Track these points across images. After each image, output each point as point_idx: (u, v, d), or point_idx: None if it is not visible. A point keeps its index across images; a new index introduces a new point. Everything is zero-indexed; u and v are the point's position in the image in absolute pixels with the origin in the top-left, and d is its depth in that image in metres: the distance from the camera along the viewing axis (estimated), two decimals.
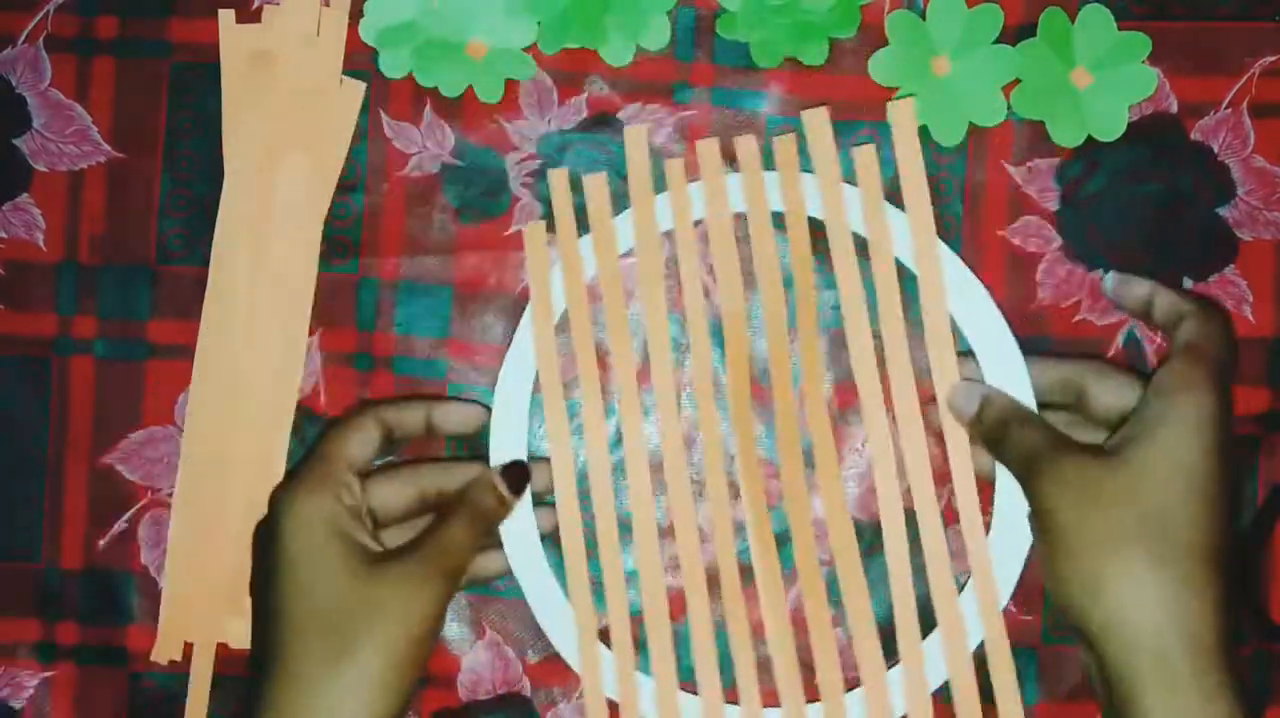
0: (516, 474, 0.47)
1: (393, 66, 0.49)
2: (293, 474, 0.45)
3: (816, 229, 0.49)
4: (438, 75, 0.49)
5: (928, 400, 0.48)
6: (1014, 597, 0.48)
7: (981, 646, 0.47)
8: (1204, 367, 0.42)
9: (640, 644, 0.48)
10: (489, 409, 0.48)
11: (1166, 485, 0.41)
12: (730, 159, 0.49)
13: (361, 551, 0.43)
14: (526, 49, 0.49)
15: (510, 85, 0.50)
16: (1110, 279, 0.47)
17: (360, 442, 0.45)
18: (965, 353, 0.48)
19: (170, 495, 0.50)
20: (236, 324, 0.49)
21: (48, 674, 0.50)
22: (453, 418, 0.47)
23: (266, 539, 0.44)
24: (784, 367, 0.48)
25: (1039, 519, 0.42)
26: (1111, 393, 0.45)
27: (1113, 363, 0.47)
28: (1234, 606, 0.41)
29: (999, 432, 0.45)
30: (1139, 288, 0.46)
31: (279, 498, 0.44)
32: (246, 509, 0.49)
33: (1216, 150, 0.49)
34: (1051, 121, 0.49)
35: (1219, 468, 0.41)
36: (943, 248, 0.48)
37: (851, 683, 0.48)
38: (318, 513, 0.43)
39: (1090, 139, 0.49)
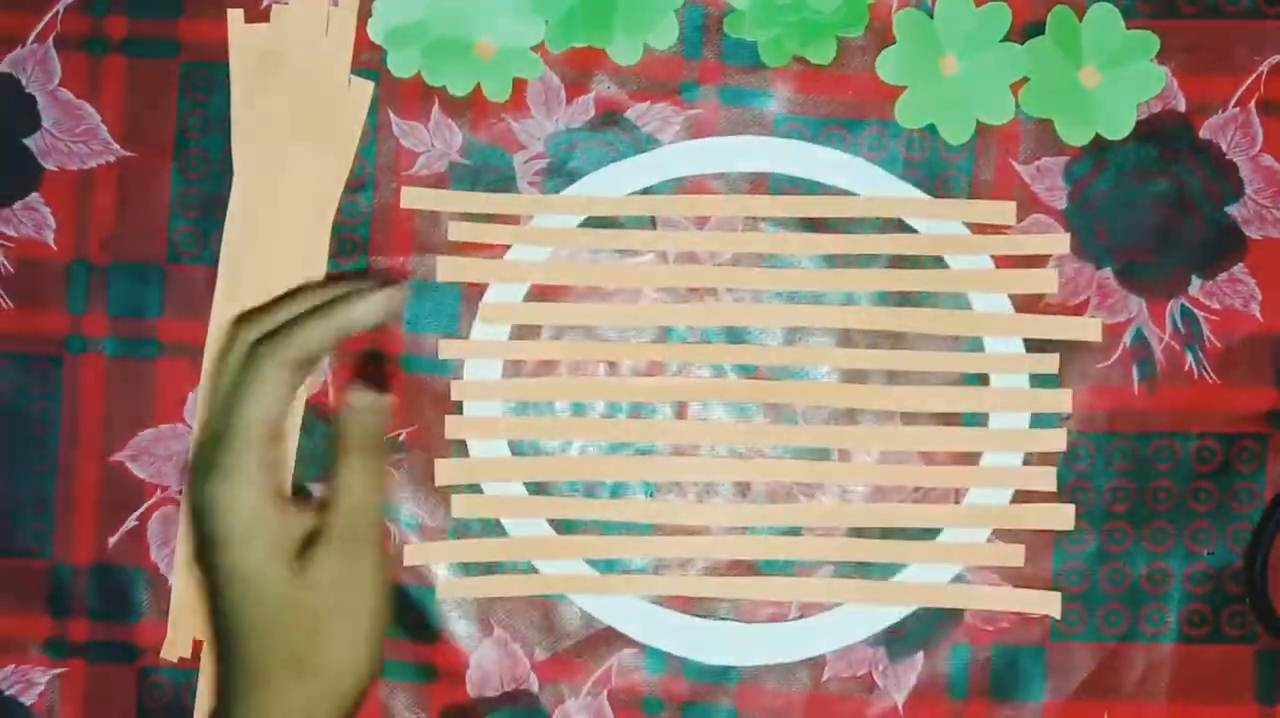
0: (373, 370, 0.42)
1: (401, 66, 0.49)
2: (205, 459, 0.39)
3: (825, 227, 0.49)
4: (446, 74, 0.49)
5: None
6: None
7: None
8: None
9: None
10: (401, 288, 0.43)
11: None
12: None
13: (289, 547, 0.39)
14: (534, 48, 0.49)
15: (518, 84, 0.50)
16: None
17: (270, 400, 0.39)
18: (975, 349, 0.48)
19: (180, 493, 0.50)
20: None
21: (58, 671, 0.50)
22: (364, 316, 0.41)
23: (197, 541, 0.40)
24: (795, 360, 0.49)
25: None
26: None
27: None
28: None
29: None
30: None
31: (197, 497, 0.39)
32: None
33: (1225, 149, 0.49)
34: (1060, 120, 0.49)
35: None
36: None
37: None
38: (238, 509, 0.38)
39: (1098, 137, 0.49)
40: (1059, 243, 0.49)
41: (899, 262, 0.49)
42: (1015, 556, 0.48)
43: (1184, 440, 0.49)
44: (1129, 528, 0.49)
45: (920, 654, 0.49)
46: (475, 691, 0.50)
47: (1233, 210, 0.49)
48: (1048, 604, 0.48)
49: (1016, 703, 0.49)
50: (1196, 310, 0.49)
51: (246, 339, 0.41)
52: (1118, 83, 0.49)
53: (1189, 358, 0.49)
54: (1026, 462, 0.49)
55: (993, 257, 0.49)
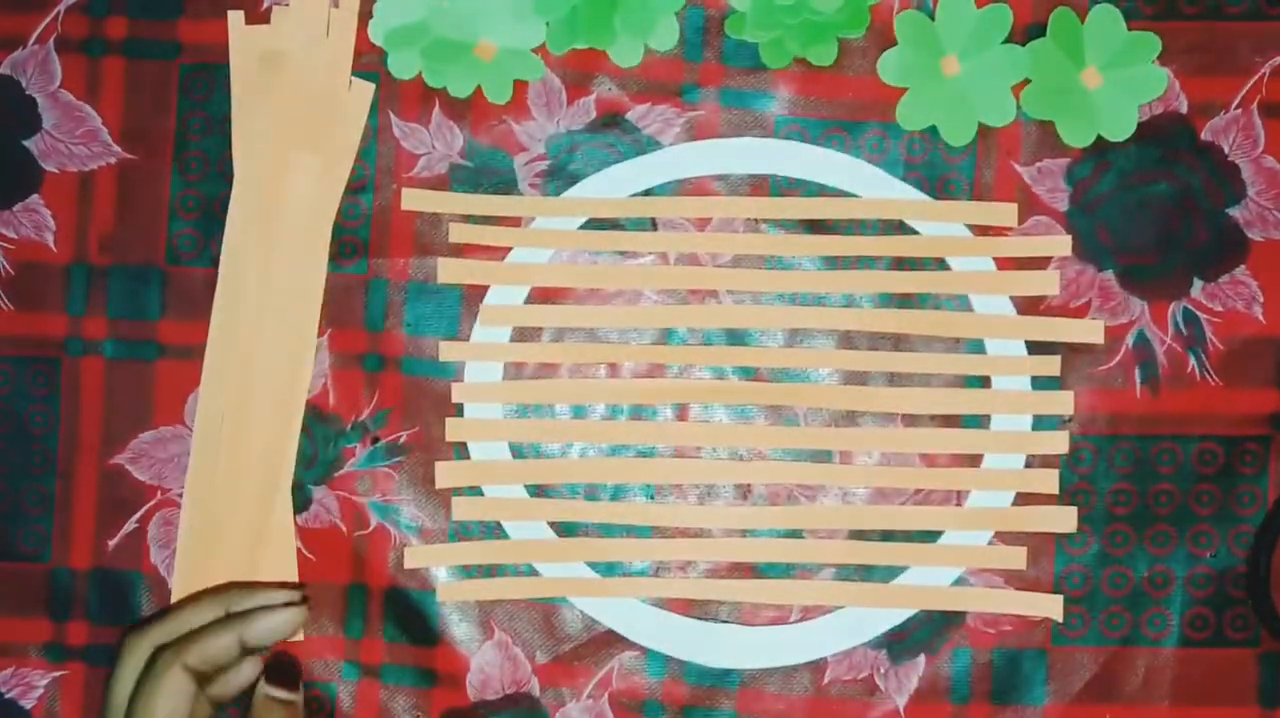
0: (286, 670, 0.45)
1: (402, 67, 0.49)
2: None
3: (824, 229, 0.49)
4: (447, 76, 0.49)
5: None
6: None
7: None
8: None
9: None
10: (302, 605, 0.45)
11: None
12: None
13: None
14: (535, 50, 0.49)
15: (519, 86, 0.50)
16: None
17: (171, 706, 0.42)
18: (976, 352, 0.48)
19: (180, 496, 0.50)
20: (246, 325, 0.49)
21: (57, 674, 0.50)
22: (266, 631, 0.44)
23: None
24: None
25: None
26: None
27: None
28: None
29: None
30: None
31: None
32: (256, 509, 0.49)
33: (1227, 150, 0.49)
34: (1061, 121, 0.49)
35: None
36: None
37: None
38: None
39: (1100, 139, 0.49)
40: (1061, 245, 0.49)
41: (900, 264, 0.49)
42: (1017, 558, 0.48)
43: (1186, 443, 0.49)
44: (1131, 531, 0.49)
45: (922, 657, 0.49)
46: (476, 694, 0.50)
47: (1234, 212, 0.49)
48: (1050, 607, 0.48)
49: (1018, 706, 0.49)
50: (1198, 313, 0.49)
51: (146, 647, 0.43)
52: (1119, 84, 0.49)
53: (1191, 360, 0.49)
54: (1028, 464, 0.49)
55: (994, 258, 0.49)
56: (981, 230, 0.49)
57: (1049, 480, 0.49)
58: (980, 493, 0.49)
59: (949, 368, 0.49)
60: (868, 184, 0.49)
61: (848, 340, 0.49)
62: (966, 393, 0.49)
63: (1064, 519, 0.48)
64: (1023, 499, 0.49)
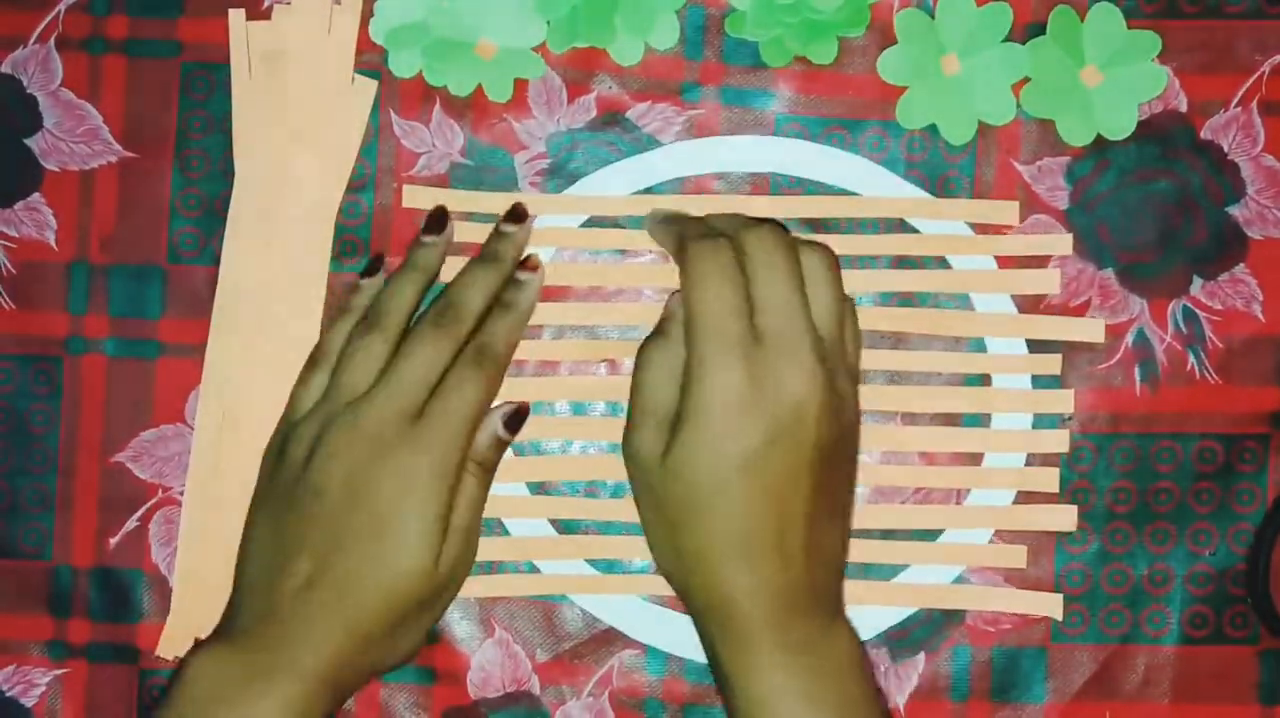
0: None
1: (403, 66, 0.49)
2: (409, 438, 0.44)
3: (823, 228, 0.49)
4: (447, 74, 0.49)
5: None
6: None
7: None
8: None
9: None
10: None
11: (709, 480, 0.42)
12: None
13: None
14: (536, 48, 0.49)
15: (520, 85, 0.50)
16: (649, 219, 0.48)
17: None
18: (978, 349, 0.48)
19: (181, 494, 0.50)
20: (247, 323, 0.49)
21: (59, 673, 0.50)
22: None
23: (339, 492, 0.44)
24: None
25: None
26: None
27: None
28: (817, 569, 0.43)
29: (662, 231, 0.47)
30: (674, 225, 0.47)
31: (385, 470, 0.43)
32: None
33: (1226, 149, 0.49)
34: (1061, 120, 0.49)
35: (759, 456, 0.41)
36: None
37: None
38: (426, 510, 0.44)
39: (1100, 138, 0.49)
40: (1061, 243, 0.49)
41: (901, 263, 0.49)
42: (1017, 557, 0.48)
43: (1186, 441, 0.49)
44: (1130, 529, 0.49)
45: (921, 655, 0.49)
46: (476, 692, 0.50)
47: (1234, 211, 0.49)
48: (1050, 606, 0.48)
49: (1018, 704, 0.49)
50: (1198, 311, 0.49)
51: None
52: (1119, 83, 0.49)
53: (1191, 358, 0.49)
54: (1029, 463, 0.49)
55: (995, 257, 0.49)
56: (982, 229, 0.49)
57: (1049, 479, 0.49)
58: (980, 491, 0.49)
59: (949, 367, 0.49)
60: (868, 182, 0.49)
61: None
62: (967, 391, 0.49)
63: (1064, 518, 0.48)
64: (1023, 498, 0.49)
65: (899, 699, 0.49)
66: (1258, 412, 0.49)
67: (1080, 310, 0.49)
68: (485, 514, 0.49)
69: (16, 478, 0.50)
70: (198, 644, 0.46)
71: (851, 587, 0.49)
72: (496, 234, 0.48)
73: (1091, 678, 0.49)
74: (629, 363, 0.49)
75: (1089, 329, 0.49)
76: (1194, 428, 0.49)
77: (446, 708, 0.50)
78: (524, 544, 0.49)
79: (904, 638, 0.49)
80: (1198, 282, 0.49)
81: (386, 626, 0.44)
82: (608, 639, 0.49)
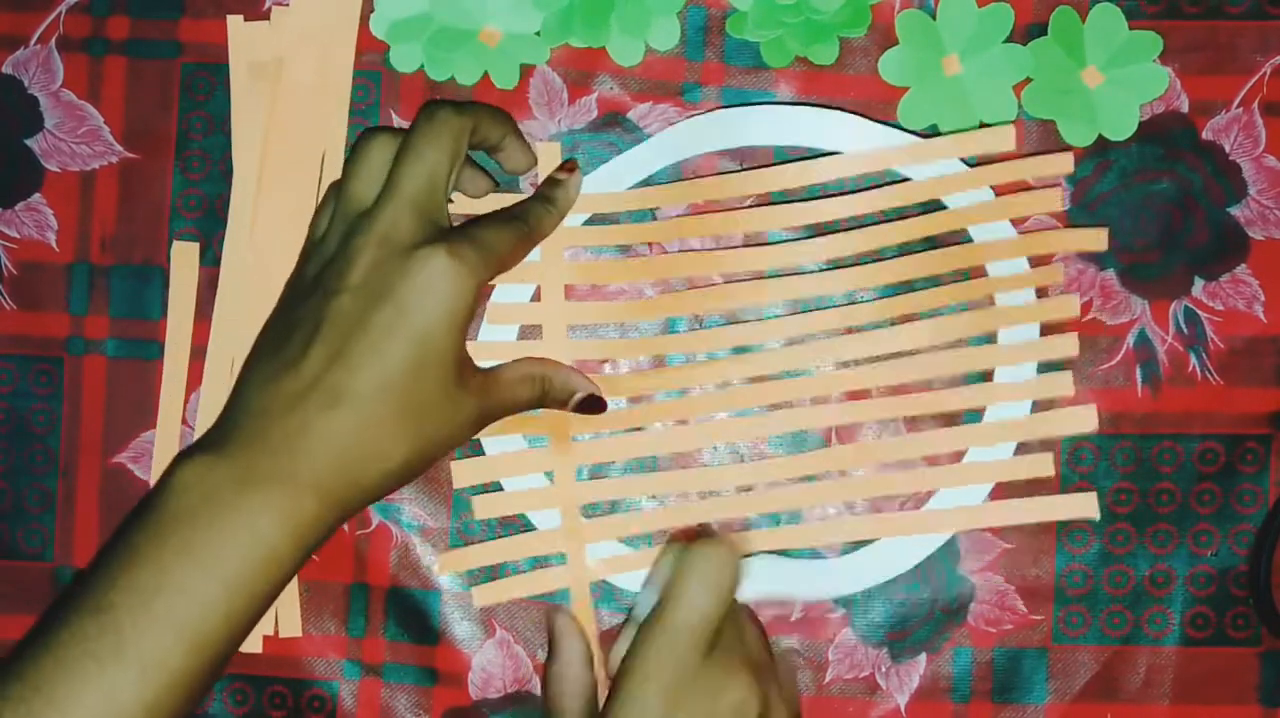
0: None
1: (404, 60, 0.49)
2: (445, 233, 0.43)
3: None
4: (452, 64, 0.49)
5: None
6: (1024, 598, 0.48)
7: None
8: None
9: None
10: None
11: None
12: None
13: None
14: (539, 34, 0.49)
15: (520, 85, 0.50)
16: None
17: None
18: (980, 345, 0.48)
19: None
20: (249, 324, 0.49)
21: None
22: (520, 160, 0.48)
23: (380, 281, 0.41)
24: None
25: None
26: None
27: None
28: None
29: None
30: None
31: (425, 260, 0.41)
32: None
33: (1228, 149, 0.49)
34: (1062, 121, 0.49)
35: None
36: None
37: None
38: (456, 299, 0.42)
39: (1101, 138, 0.49)
40: (1062, 162, 0.48)
41: (903, 249, 0.49)
42: (1045, 465, 0.48)
43: (1187, 442, 0.49)
44: (1132, 530, 0.49)
45: (923, 656, 0.49)
46: (478, 693, 0.50)
47: (1235, 211, 0.49)
48: (1085, 507, 0.48)
49: (1019, 705, 0.49)
50: (1200, 312, 0.49)
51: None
52: (1120, 83, 0.49)
53: (1192, 359, 0.49)
54: (1023, 448, 0.49)
55: (993, 187, 0.48)
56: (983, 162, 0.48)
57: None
58: (996, 406, 0.48)
59: (951, 367, 0.49)
60: (860, 137, 0.48)
61: (853, 312, 0.49)
62: (970, 390, 0.49)
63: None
64: (1042, 405, 0.48)
65: (900, 700, 0.49)
66: (1259, 412, 0.49)
67: (1081, 310, 0.49)
68: (508, 511, 0.49)
69: (17, 479, 0.50)
70: (181, 454, 0.41)
71: (882, 520, 0.48)
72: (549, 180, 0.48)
73: (1093, 679, 0.49)
74: (628, 363, 0.50)
75: (1092, 239, 0.48)
76: (1195, 429, 0.49)
77: (447, 709, 0.50)
78: (556, 536, 0.49)
79: (905, 638, 0.49)
80: (1199, 282, 0.49)
81: (408, 404, 0.41)
82: (609, 639, 0.49)
